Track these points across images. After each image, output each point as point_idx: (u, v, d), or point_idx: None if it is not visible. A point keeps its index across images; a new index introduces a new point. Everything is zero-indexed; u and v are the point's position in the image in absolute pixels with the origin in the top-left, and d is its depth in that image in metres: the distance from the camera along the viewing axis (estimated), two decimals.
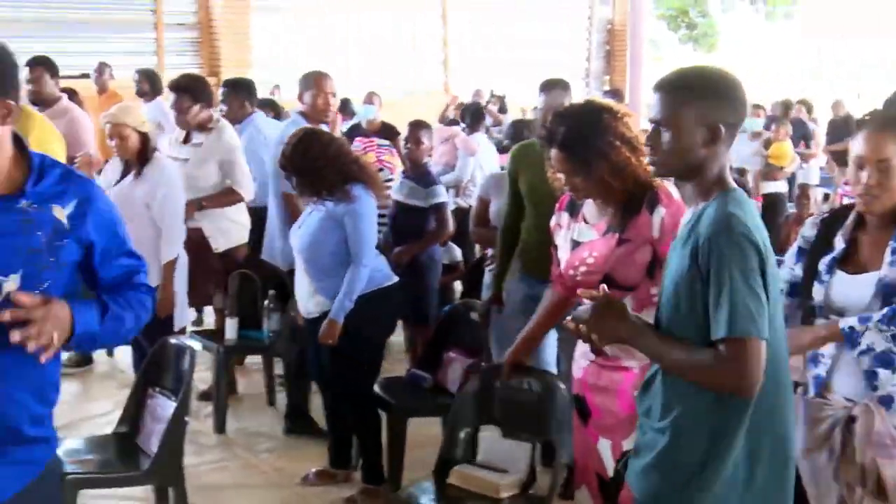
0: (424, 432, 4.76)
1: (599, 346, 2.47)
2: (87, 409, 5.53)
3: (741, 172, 9.06)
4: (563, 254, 3.15)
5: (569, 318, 2.38)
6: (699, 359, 2.18)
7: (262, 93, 12.41)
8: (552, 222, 3.28)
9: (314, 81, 5.31)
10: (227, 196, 5.43)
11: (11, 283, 2.15)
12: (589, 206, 3.12)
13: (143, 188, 4.63)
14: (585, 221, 3.11)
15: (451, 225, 5.71)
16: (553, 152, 3.06)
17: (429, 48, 17.22)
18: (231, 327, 5.32)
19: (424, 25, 17.16)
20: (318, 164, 4.18)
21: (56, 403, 2.36)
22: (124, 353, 6.07)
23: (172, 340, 3.86)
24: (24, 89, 6.18)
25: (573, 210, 3.19)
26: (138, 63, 13.28)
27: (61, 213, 2.19)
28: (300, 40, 15.56)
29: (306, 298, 4.35)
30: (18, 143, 2.24)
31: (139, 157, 4.66)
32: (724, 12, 29.45)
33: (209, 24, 14.72)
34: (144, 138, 4.66)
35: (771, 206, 9.28)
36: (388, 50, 16.17)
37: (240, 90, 6.31)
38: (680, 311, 2.25)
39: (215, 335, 5.44)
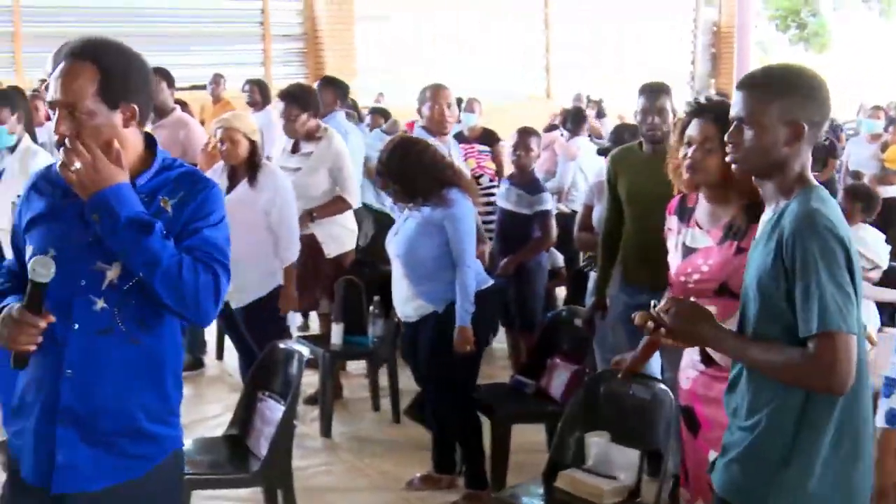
0: (527, 439, 4.75)
1: (678, 346, 2.45)
2: (198, 411, 5.66)
3: (857, 176, 8.77)
4: (674, 259, 3.10)
5: (636, 315, 2.37)
6: (788, 357, 2.16)
7: (366, 101, 12.62)
8: (666, 226, 3.24)
9: (432, 94, 5.36)
10: (336, 205, 5.53)
11: (114, 270, 2.25)
12: (701, 211, 3.06)
13: (262, 195, 4.72)
14: (698, 227, 3.05)
15: (554, 232, 5.69)
16: (696, 123, 3.00)
17: (530, 53, 17.19)
18: (337, 332, 5.39)
19: (526, 31, 17.14)
20: (415, 170, 4.24)
21: (178, 403, 2.45)
22: (234, 358, 6.22)
23: (281, 345, 3.93)
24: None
25: (683, 214, 3.13)
26: (247, 74, 13.59)
27: (167, 203, 2.29)
28: (403, 48, 15.72)
29: (404, 303, 4.41)
30: (150, 144, 2.37)
31: (247, 164, 4.75)
32: (836, 10, 28.61)
33: (315, 34, 14.98)
34: (254, 147, 4.75)
35: (888, 210, 8.95)
36: (490, 56, 16.18)
37: (336, 87, 6.67)
38: (764, 309, 2.23)
39: (321, 340, 5.53)
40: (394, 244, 4.38)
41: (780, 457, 2.21)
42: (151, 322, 2.31)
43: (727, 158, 2.34)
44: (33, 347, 2.22)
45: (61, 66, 2.22)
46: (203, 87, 11.06)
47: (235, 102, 11.15)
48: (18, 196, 4.16)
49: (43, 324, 2.21)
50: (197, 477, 3.61)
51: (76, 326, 2.27)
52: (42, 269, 2.19)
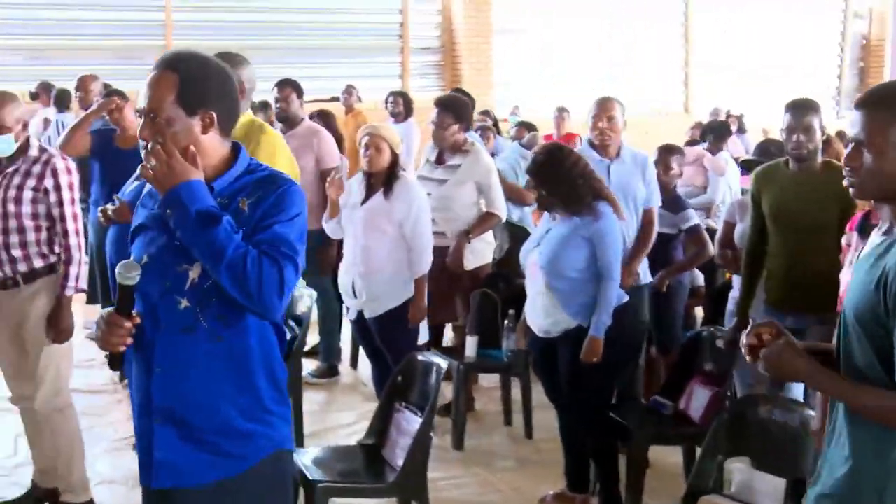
0: (664, 460, 4.64)
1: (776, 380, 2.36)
2: (331, 419, 5.74)
3: None
4: (846, 276, 2.98)
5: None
6: (890, 404, 2.04)
7: (502, 113, 12.65)
8: (843, 241, 3.12)
9: (596, 106, 5.29)
10: (488, 221, 5.55)
11: (195, 270, 2.32)
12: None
13: (396, 206, 4.75)
14: None
15: (710, 246, 5.53)
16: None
17: (669, 67, 16.93)
18: (471, 345, 5.39)
19: (665, 44, 16.88)
20: (566, 178, 4.20)
21: (278, 403, 2.45)
22: (368, 367, 6.29)
23: (420, 357, 3.94)
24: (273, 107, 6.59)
25: (864, 230, 3.01)
26: (384, 86, 13.83)
27: (244, 203, 2.34)
28: (539, 61, 15.69)
29: (543, 316, 4.35)
30: (236, 151, 2.42)
31: (386, 175, 4.79)
32: None
33: (452, 47, 15.11)
34: (395, 158, 4.79)
35: None
36: (626, 69, 15.99)
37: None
38: (860, 340, 2.11)
39: (454, 352, 5.53)
40: (535, 254, 4.33)
41: (875, 491, 2.10)
42: (232, 318, 2.34)
43: (844, 182, 2.22)
44: (123, 348, 2.32)
45: (150, 76, 2.34)
46: (339, 100, 11.30)
47: (370, 114, 11.36)
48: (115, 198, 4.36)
49: (129, 325, 2.31)
50: (336, 485, 3.66)
51: (162, 326, 2.35)
52: (128, 273, 2.30)
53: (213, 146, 2.38)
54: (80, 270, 4.11)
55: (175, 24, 13.51)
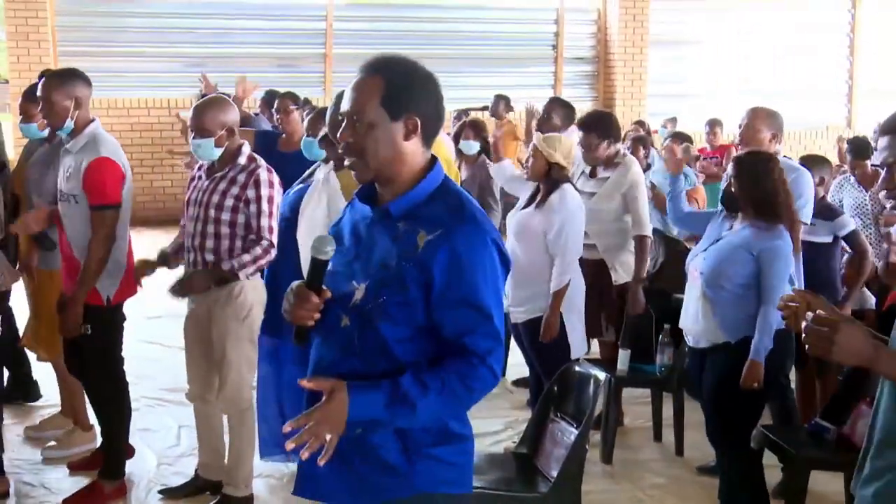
0: (822, 488, 4.49)
1: (833, 361, 2.30)
2: (479, 425, 5.68)
3: None
4: None
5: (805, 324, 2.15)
6: None
7: (655, 125, 12.45)
8: None
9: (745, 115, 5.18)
10: (643, 248, 5.43)
11: (360, 291, 2.26)
12: None
13: (544, 216, 4.73)
14: None
15: (871, 252, 5.31)
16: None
17: (832, 81, 16.35)
18: (623, 358, 5.32)
19: (829, 57, 16.32)
20: (773, 188, 4.06)
21: (440, 443, 2.35)
22: (517, 374, 6.29)
23: (577, 367, 3.92)
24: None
25: None
26: (537, 96, 13.83)
27: (423, 238, 2.22)
28: (696, 72, 15.39)
29: (692, 322, 4.25)
30: (432, 166, 2.33)
31: (545, 184, 4.78)
32: None
33: (607, 58, 14.99)
34: (551, 167, 4.76)
35: None
36: (785, 82, 15.50)
37: (565, 108, 6.88)
38: None
39: (604, 366, 5.46)
40: (700, 260, 4.22)
41: None
42: (392, 351, 2.26)
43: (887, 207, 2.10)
44: (310, 322, 2.28)
45: (354, 80, 2.30)
46: (483, 109, 11.35)
47: (522, 124, 11.36)
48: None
49: (316, 300, 2.27)
50: (486, 492, 3.66)
51: (326, 339, 2.31)
52: (321, 247, 2.28)
53: (414, 154, 2.30)
54: (250, 264, 4.08)
55: (335, 33, 13.85)
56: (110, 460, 4.59)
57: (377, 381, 2.20)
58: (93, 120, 4.39)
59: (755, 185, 4.08)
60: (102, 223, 4.25)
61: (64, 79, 4.37)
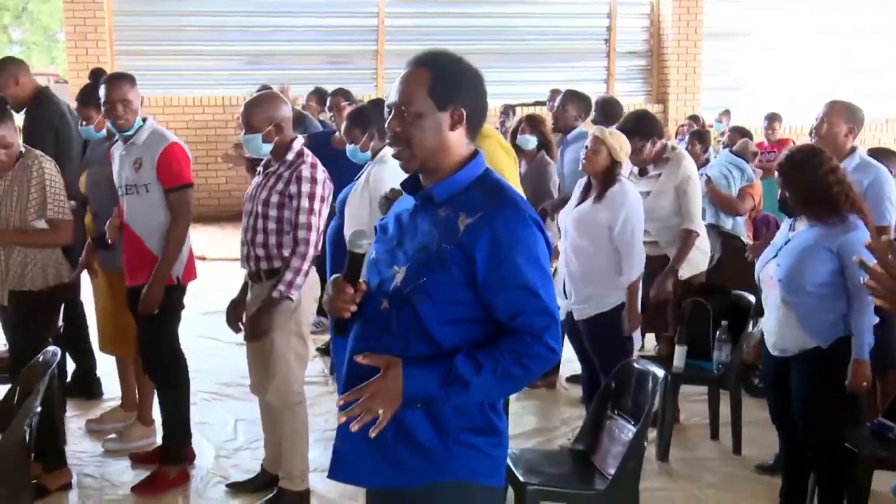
0: (884, 487, 4.39)
1: None
2: (533, 422, 5.72)
3: None
4: None
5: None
6: None
7: (709, 119, 12.31)
8: None
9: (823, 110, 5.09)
10: (687, 243, 5.38)
11: (400, 274, 2.29)
12: None
13: (607, 211, 4.69)
14: None
15: None
16: None
17: (892, 73, 16.04)
18: (680, 355, 5.26)
19: (886, 49, 16.00)
20: (824, 184, 3.90)
21: (480, 432, 2.35)
22: (570, 370, 6.26)
23: (636, 364, 3.88)
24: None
25: None
26: (589, 90, 13.71)
27: (464, 221, 2.26)
28: (750, 65, 15.18)
29: (776, 334, 4.07)
30: (473, 155, 2.38)
31: (602, 179, 4.75)
32: None
33: (660, 52, 14.85)
34: (614, 164, 4.74)
35: None
36: (844, 75, 15.23)
37: (581, 101, 6.95)
38: None
39: (661, 362, 5.41)
40: (772, 266, 4.07)
41: None
42: (430, 332, 2.28)
43: None
44: (347, 314, 2.34)
45: (402, 73, 2.36)
46: (544, 104, 11.23)
47: None
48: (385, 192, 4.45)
49: (351, 291, 2.32)
50: (544, 488, 3.64)
51: (365, 323, 2.35)
52: (356, 240, 2.35)
53: (458, 145, 2.35)
54: (294, 279, 4.11)
55: (387, 30, 13.89)
56: (172, 445, 4.69)
57: (432, 359, 2.23)
58: (146, 117, 4.66)
59: (802, 182, 3.93)
60: (181, 203, 4.51)
61: (133, 80, 4.60)
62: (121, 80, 4.58)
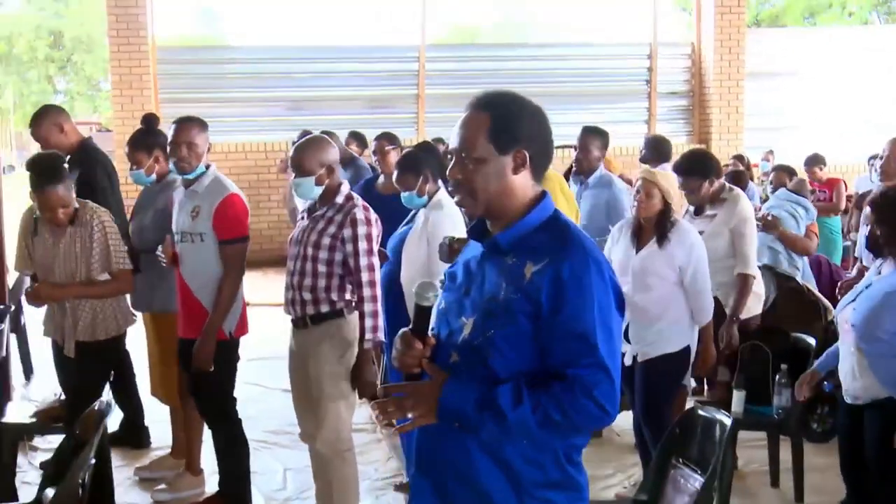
0: None
1: None
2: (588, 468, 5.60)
3: None
4: None
5: None
6: None
7: (754, 159, 12.18)
8: None
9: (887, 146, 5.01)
10: (745, 288, 5.25)
11: (468, 326, 2.22)
12: None
13: (675, 253, 4.58)
14: None
15: None
16: None
17: None
18: (738, 400, 5.11)
19: None
20: None
21: (556, 486, 2.25)
22: (623, 416, 6.12)
23: (701, 412, 3.76)
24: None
25: None
26: (630, 132, 13.69)
27: (530, 269, 2.18)
28: (793, 104, 15.04)
29: (850, 380, 3.96)
30: (541, 200, 2.30)
31: (657, 222, 4.65)
32: None
33: (702, 92, 14.77)
34: (666, 206, 4.63)
35: None
36: (888, 114, 15.05)
37: (601, 137, 6.49)
38: None
39: (718, 407, 5.27)
40: (849, 311, 3.95)
41: None
42: (497, 383, 2.17)
43: None
44: (417, 370, 2.24)
45: (462, 117, 2.30)
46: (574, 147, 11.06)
47: (620, 160, 11.24)
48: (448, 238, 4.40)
49: (420, 346, 2.24)
50: None
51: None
52: (424, 293, 2.27)
53: (523, 187, 2.28)
54: (375, 322, 4.09)
55: (428, 74, 13.94)
56: (233, 496, 4.66)
57: (481, 381, 2.16)
58: (209, 165, 4.61)
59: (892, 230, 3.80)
60: (235, 256, 4.47)
61: (202, 125, 4.59)
62: (190, 122, 4.57)
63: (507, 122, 2.25)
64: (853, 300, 3.94)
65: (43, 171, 4.52)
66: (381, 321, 4.12)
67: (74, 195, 4.61)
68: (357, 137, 9.76)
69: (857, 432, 3.96)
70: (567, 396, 2.12)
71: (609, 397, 2.14)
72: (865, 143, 11.64)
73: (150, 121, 5.27)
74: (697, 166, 5.36)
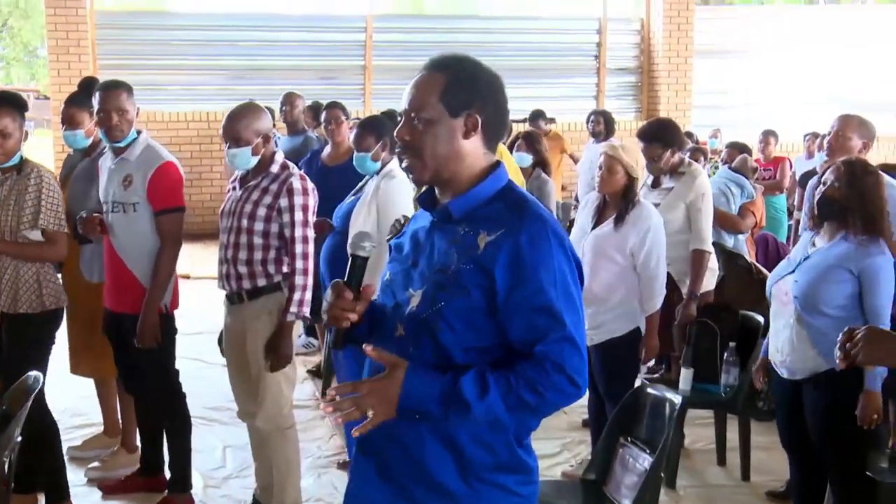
0: None
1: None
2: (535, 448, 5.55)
3: None
4: None
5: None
6: None
7: (701, 137, 12.21)
8: None
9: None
10: (700, 264, 5.22)
11: (416, 298, 2.13)
12: None
13: (628, 235, 4.49)
14: None
15: None
16: None
17: (885, 88, 16.01)
18: (685, 378, 5.10)
19: (878, 65, 15.98)
20: (875, 197, 3.73)
21: (508, 469, 2.17)
22: None
23: (650, 389, 3.71)
24: None
25: None
26: (578, 107, 13.66)
27: (484, 239, 2.09)
28: (741, 82, 15.12)
29: (786, 353, 3.89)
30: (494, 170, 2.21)
31: (620, 200, 4.56)
32: None
33: (650, 68, 14.78)
34: (630, 182, 4.55)
35: None
36: (837, 90, 15.16)
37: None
38: None
39: (668, 384, 5.25)
40: (788, 282, 3.90)
41: None
42: (451, 362, 2.09)
43: None
44: (346, 324, 2.16)
45: (415, 77, 2.21)
46: (523, 121, 11.04)
47: (566, 135, 11.22)
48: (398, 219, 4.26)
49: (350, 295, 2.14)
50: None
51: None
52: (359, 241, 2.20)
53: (474, 154, 2.18)
54: (303, 296, 3.98)
55: (375, 45, 13.77)
56: (178, 473, 4.53)
57: (441, 371, 2.06)
58: (140, 131, 4.41)
59: (867, 197, 3.74)
60: (172, 227, 4.29)
61: (130, 89, 4.38)
62: (118, 88, 4.35)
63: (461, 84, 2.16)
64: (792, 271, 3.88)
65: (2, 97, 4.23)
66: (308, 295, 3.99)
67: (21, 139, 4.23)
68: (313, 109, 9.57)
69: (796, 409, 3.90)
70: (538, 375, 2.03)
71: (580, 371, 2.07)
72: (811, 122, 11.73)
73: (89, 85, 5.05)
74: (661, 134, 5.33)
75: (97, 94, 4.38)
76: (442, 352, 2.09)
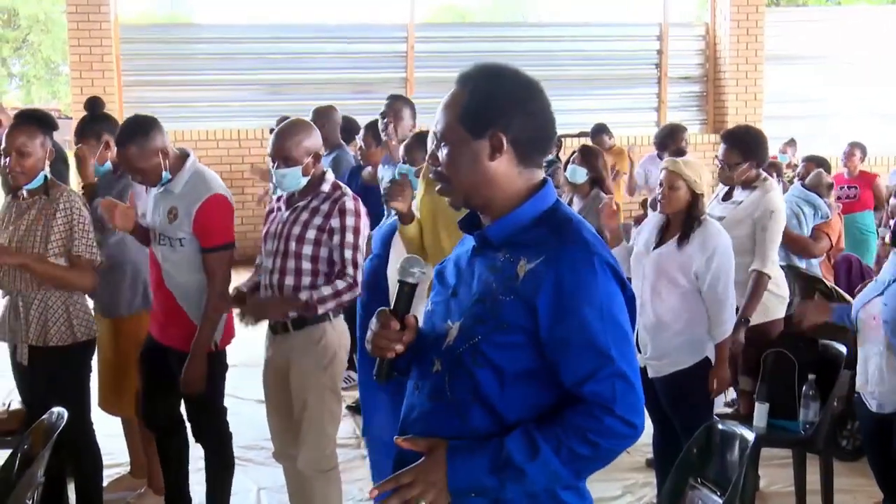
0: None
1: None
2: (595, 489, 5.48)
3: None
4: None
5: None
6: None
7: (773, 149, 12.11)
8: None
9: None
10: (759, 288, 5.10)
11: (454, 330, 2.11)
12: None
13: (692, 256, 4.44)
14: None
15: None
16: None
17: None
18: (761, 414, 5.05)
19: None
20: None
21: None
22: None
23: (720, 426, 3.68)
24: None
25: None
26: (638, 120, 13.62)
27: (524, 267, 2.06)
28: (816, 91, 14.98)
29: (876, 383, 3.87)
30: (541, 188, 2.18)
31: (683, 218, 4.54)
32: None
33: (717, 76, 14.70)
34: (695, 199, 4.51)
35: None
36: None
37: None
38: None
39: (741, 421, 5.20)
40: (876, 306, 3.86)
41: None
42: (490, 401, 2.08)
43: None
44: (391, 355, 2.16)
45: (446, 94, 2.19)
46: (587, 135, 11.06)
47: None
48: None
49: (396, 326, 2.14)
50: None
51: (420, 387, 2.18)
52: (408, 267, 2.19)
53: (507, 175, 2.14)
54: (331, 298, 3.95)
55: (416, 56, 13.85)
56: None
57: (481, 441, 2.04)
58: (188, 154, 4.37)
59: None
60: (221, 264, 4.24)
61: (141, 140, 4.27)
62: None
63: (480, 102, 2.12)
64: (880, 294, 3.83)
65: (26, 114, 4.33)
66: (332, 304, 3.98)
67: (45, 158, 4.31)
68: (373, 129, 9.62)
69: (886, 444, 3.85)
70: (588, 422, 2.01)
71: (634, 408, 2.04)
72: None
73: (94, 105, 5.14)
74: (746, 140, 5.32)
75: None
76: (478, 391, 2.08)
